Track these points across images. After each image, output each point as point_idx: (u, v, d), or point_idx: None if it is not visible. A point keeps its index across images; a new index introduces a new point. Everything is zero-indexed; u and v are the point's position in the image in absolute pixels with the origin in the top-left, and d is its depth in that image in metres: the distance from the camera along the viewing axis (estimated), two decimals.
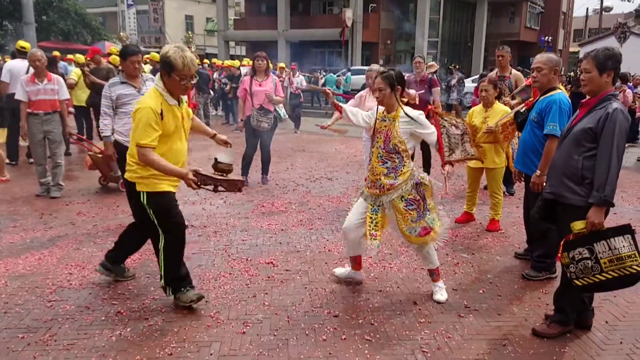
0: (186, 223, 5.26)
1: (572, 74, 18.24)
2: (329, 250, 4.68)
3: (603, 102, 3.00)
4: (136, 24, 38.13)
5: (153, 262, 4.34)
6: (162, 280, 3.54)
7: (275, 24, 33.11)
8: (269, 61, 7.20)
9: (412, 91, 5.94)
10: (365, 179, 3.79)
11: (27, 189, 6.71)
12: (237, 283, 3.96)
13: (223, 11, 36.01)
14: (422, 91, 6.82)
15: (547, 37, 16.38)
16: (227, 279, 4.03)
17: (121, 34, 33.67)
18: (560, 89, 3.99)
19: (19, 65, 7.87)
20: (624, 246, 2.85)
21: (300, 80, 16.01)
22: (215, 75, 14.82)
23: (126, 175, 3.46)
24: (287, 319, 3.40)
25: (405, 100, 3.77)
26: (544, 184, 3.61)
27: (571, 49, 42.69)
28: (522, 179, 4.31)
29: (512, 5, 38.40)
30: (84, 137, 9.53)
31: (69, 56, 13.56)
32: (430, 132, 3.61)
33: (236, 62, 15.46)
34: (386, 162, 3.58)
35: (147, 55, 12.76)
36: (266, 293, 3.79)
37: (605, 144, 2.91)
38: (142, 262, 4.36)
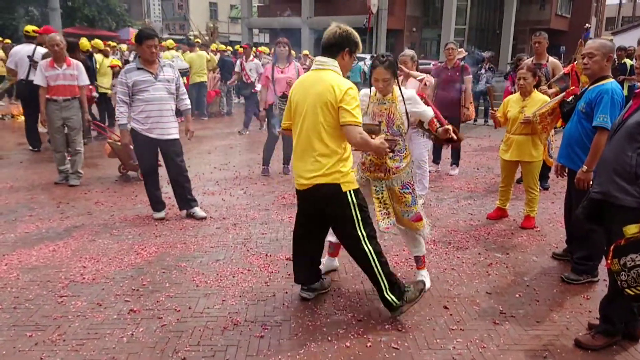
0: (205, 214, 5.16)
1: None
2: None
3: None
4: (161, 10, 38.13)
5: (170, 255, 4.19)
6: (389, 294, 3.11)
7: (299, 11, 32.71)
8: (291, 48, 6.94)
9: (431, 79, 5.59)
10: (363, 163, 3.58)
11: (46, 176, 6.62)
12: (255, 280, 3.76)
13: None
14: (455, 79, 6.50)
15: (586, 25, 15.53)
16: (245, 276, 3.83)
17: (146, 20, 33.72)
18: (611, 77, 3.66)
19: (24, 50, 7.86)
20: None
21: None
22: (239, 62, 14.59)
23: (322, 179, 3.00)
24: (309, 323, 3.18)
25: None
26: (591, 181, 3.31)
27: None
28: (565, 174, 3.99)
29: None
30: (106, 124, 9.47)
31: (92, 42, 13.49)
32: (424, 109, 3.58)
33: (266, 49, 15.29)
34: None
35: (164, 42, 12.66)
36: (286, 292, 3.58)
37: None
38: (158, 255, 4.19)
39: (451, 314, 3.32)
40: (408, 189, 3.51)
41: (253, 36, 37.56)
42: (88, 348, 2.85)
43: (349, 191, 3.04)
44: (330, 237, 3.72)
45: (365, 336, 3.04)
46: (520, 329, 3.16)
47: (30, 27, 8.42)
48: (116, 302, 3.39)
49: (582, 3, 39.47)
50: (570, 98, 3.95)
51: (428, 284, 3.65)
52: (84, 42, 10.17)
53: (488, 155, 8.77)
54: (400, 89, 3.51)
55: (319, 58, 3.03)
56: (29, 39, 8.19)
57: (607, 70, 3.63)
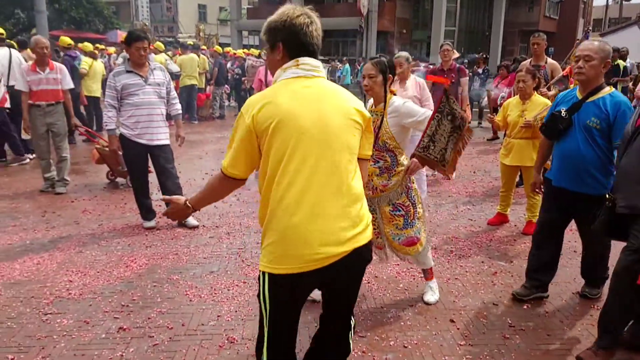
0: (197, 223, 4.97)
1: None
2: None
3: None
4: (149, 13, 37.81)
5: (161, 267, 4.00)
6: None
7: None
8: None
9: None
10: None
11: (31, 184, 6.39)
12: (252, 294, 3.58)
13: (236, 0, 35.54)
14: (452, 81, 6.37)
15: (587, 28, 15.27)
16: (241, 289, 3.66)
17: (137, 22, 33.39)
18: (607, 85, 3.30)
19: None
20: None
21: None
22: (229, 65, 14.46)
23: (366, 237, 1.97)
24: (309, 339, 3.00)
25: (394, 90, 3.32)
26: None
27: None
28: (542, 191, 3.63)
29: None
30: (93, 129, 9.24)
31: (80, 45, 13.26)
32: (418, 118, 3.12)
33: (255, 51, 15.16)
34: (378, 162, 3.21)
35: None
36: None
37: None
38: (149, 267, 4.00)
39: (458, 328, 3.17)
40: (400, 210, 3.24)
41: (242, 38, 37.38)
42: None
43: None
44: None
45: (369, 354, 2.88)
46: (532, 343, 3.02)
47: None
48: (104, 319, 3.20)
49: (570, 5, 39.82)
50: (564, 112, 3.30)
51: (435, 298, 3.50)
52: (64, 39, 9.94)
53: (484, 158, 8.67)
54: (390, 100, 3.16)
55: (309, 60, 1.92)
56: None
57: (602, 77, 3.23)
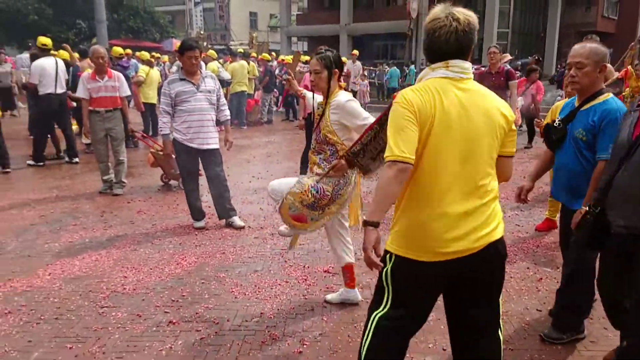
0: (243, 224, 5.14)
1: None
2: None
3: None
4: (202, 21, 39.01)
5: (209, 265, 4.18)
6: None
7: (337, 18, 32.78)
8: None
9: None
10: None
11: (90, 186, 6.78)
12: (294, 293, 3.69)
13: (286, 7, 36.09)
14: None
15: None
16: (283, 288, 3.77)
17: (191, 31, 34.55)
18: (607, 91, 2.93)
19: (47, 63, 7.76)
20: None
21: (358, 66, 15.95)
22: (277, 71, 14.75)
23: (500, 232, 2.08)
24: (348, 339, 3.08)
25: (342, 85, 3.34)
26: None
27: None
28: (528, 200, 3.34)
29: None
30: (149, 134, 9.67)
31: (137, 53, 13.90)
32: (359, 122, 3.12)
33: (303, 57, 15.40)
34: (320, 153, 3.28)
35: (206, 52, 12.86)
36: (324, 306, 3.49)
37: None
38: (197, 265, 4.19)
39: None
40: (318, 192, 3.16)
41: (291, 44, 37.89)
42: None
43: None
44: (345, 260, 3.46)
45: (408, 355, 2.89)
46: (574, 349, 2.97)
47: (45, 40, 8.12)
48: (156, 313, 3.39)
49: (629, 4, 37.96)
50: (557, 122, 3.03)
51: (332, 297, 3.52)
52: (116, 49, 10.43)
53: (535, 163, 8.44)
54: (336, 95, 3.20)
55: (459, 63, 2.01)
56: (43, 52, 8.01)
57: (600, 82, 2.91)
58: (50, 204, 5.95)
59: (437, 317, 3.32)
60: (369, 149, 2.86)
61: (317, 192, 3.17)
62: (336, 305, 3.49)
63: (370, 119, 3.09)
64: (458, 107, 1.96)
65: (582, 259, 2.93)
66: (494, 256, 2.04)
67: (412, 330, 2.16)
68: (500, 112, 2.03)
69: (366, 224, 1.92)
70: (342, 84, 3.37)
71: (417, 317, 2.13)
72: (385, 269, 2.06)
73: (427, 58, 2.07)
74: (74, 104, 8.58)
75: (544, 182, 6.85)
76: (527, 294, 3.67)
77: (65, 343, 3.01)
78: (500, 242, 2.06)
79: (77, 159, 8.33)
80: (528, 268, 4.14)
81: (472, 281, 2.06)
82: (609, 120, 2.75)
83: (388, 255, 2.06)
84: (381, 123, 2.74)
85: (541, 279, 3.95)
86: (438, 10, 2.03)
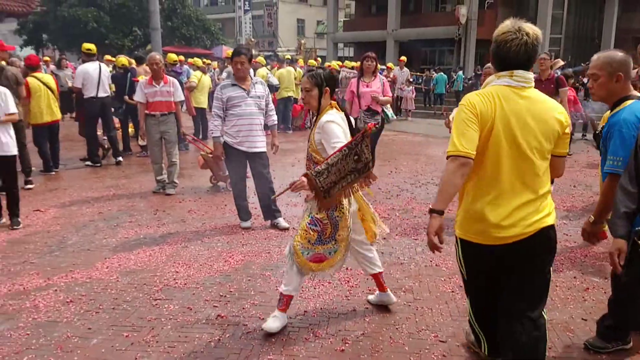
0: (288, 225, 5.28)
1: None
2: (436, 265, 4.33)
3: None
4: (252, 28, 39.85)
5: (255, 264, 4.33)
6: None
7: (384, 24, 32.73)
8: (378, 62, 6.96)
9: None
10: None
11: (145, 185, 7.11)
12: (336, 294, 3.78)
13: (333, 13, 36.35)
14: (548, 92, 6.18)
15: None
16: (326, 289, 3.87)
17: (240, 37, 35.37)
18: (635, 97, 2.82)
19: (91, 68, 8.14)
20: None
21: (406, 73, 15.93)
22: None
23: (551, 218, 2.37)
24: (390, 340, 3.14)
25: (334, 103, 3.28)
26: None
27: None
28: None
29: None
30: (199, 137, 10.01)
31: (191, 60, 14.39)
32: (331, 144, 3.07)
33: (349, 63, 15.52)
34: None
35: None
36: (367, 308, 3.57)
37: None
38: (244, 263, 4.35)
39: None
40: (317, 226, 3.10)
41: (338, 50, 38.11)
42: (178, 351, 3.01)
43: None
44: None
45: (449, 358, 2.95)
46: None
47: (89, 45, 8.52)
48: (205, 307, 3.56)
49: None
50: (599, 130, 3.02)
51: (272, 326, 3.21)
52: (171, 55, 10.82)
53: (586, 172, 8.22)
54: (325, 114, 3.17)
55: (523, 73, 2.28)
56: (88, 57, 8.37)
57: (624, 91, 2.81)
58: (107, 201, 6.30)
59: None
60: (333, 171, 2.94)
61: (315, 225, 3.12)
62: (378, 307, 3.55)
63: (339, 144, 3.03)
64: (517, 112, 2.24)
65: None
66: (545, 240, 2.34)
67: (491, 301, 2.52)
68: (555, 118, 2.29)
69: (431, 211, 2.22)
70: (333, 102, 3.31)
71: (485, 297, 2.56)
72: (457, 254, 2.53)
73: (494, 65, 2.36)
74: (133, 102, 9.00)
75: (595, 191, 6.70)
76: (572, 303, 3.62)
77: (122, 331, 3.21)
78: (552, 228, 2.35)
79: (120, 158, 8.73)
80: (575, 277, 4.08)
81: (526, 260, 2.36)
82: (611, 133, 2.76)
83: (456, 241, 2.49)
84: (351, 147, 2.93)
85: (588, 288, 3.88)
86: (509, 23, 2.30)
